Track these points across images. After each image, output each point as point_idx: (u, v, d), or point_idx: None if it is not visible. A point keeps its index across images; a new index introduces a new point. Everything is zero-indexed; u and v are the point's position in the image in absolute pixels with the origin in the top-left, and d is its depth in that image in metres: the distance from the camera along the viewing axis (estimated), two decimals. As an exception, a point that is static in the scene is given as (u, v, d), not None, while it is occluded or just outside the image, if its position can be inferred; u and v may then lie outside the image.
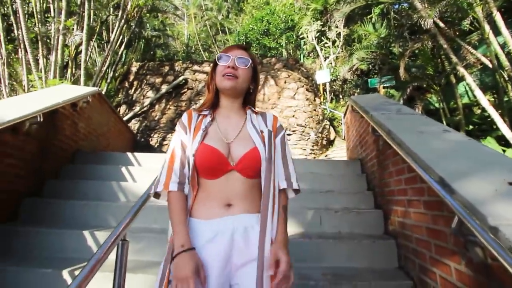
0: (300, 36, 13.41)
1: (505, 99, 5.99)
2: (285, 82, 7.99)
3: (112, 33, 6.87)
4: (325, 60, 12.62)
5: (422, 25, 5.60)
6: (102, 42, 10.33)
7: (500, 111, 5.58)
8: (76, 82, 5.72)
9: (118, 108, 7.90)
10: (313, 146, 7.70)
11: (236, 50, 1.02)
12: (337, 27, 11.39)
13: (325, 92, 11.92)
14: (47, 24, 5.82)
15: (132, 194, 2.72)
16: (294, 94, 7.89)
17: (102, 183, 2.77)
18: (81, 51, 5.74)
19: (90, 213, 2.39)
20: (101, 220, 2.37)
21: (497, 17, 5.10)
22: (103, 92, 7.57)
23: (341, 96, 12.88)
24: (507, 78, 5.49)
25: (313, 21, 12.64)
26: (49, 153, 2.88)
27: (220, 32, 19.91)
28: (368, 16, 10.28)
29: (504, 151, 4.96)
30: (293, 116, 7.72)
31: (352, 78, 11.89)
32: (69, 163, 3.21)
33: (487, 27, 5.19)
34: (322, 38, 12.84)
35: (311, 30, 12.63)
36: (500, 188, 1.07)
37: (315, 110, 8.20)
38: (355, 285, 1.70)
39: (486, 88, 6.94)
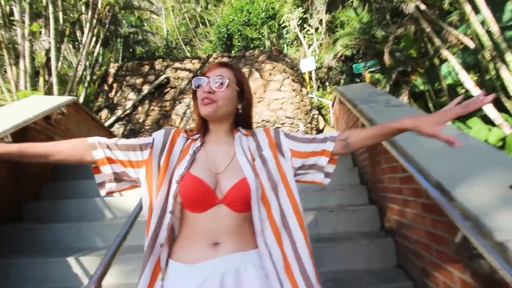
0: (282, 25, 13.17)
1: (487, 77, 6.07)
2: (270, 75, 7.85)
3: (84, 34, 6.48)
4: (308, 48, 12.48)
5: (404, 10, 5.54)
6: (77, 43, 9.82)
7: (483, 90, 5.66)
8: (50, 90, 5.40)
9: (100, 113, 7.59)
10: (303, 137, 7.66)
11: (214, 70, 0.90)
12: (318, 12, 11.22)
13: (311, 80, 11.84)
14: (12, 29, 5.41)
15: (118, 210, 2.58)
16: (280, 86, 7.77)
17: (85, 201, 2.62)
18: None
19: (73, 235, 2.26)
20: (87, 242, 2.24)
21: (477, -4, 5.09)
22: (82, 97, 7.27)
23: (327, 84, 12.83)
24: (489, 58, 5.53)
25: (294, 8, 12.40)
26: (25, 174, 2.70)
27: (200, 24, 19.36)
28: (349, 1, 10.14)
29: (490, 129, 5.05)
30: (281, 108, 7.63)
31: (337, 64, 11.83)
32: (49, 181, 3.03)
33: (468, 8, 5.17)
34: (305, 25, 12.65)
35: (293, 18, 12.41)
36: (502, 193, 1.02)
37: (302, 100, 8.13)
38: (356, 291, 1.67)
39: (468, 68, 7.01)
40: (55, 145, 0.86)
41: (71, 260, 1.96)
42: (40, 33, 5.39)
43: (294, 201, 0.86)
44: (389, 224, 2.12)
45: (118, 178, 0.89)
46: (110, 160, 0.87)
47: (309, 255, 0.83)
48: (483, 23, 5.71)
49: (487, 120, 5.46)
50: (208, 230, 0.82)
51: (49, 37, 4.95)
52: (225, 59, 8.25)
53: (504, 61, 5.19)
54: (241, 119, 0.95)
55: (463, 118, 6.03)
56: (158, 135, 0.93)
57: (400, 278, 1.76)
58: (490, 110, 5.05)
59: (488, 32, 5.46)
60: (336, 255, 2.00)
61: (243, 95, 0.93)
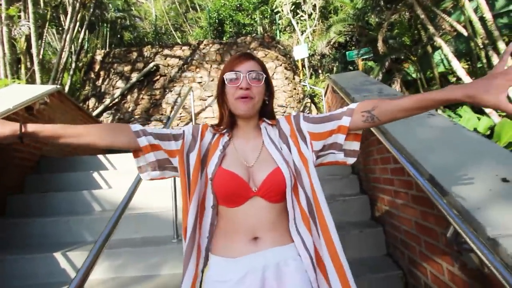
0: (275, 10, 12.84)
1: (479, 65, 6.09)
2: (262, 62, 7.70)
3: (67, 18, 6.14)
4: (302, 34, 12.25)
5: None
6: (61, 28, 9.37)
7: (474, 78, 5.68)
8: (32, 78, 5.15)
9: (87, 102, 7.36)
10: (295, 126, 7.63)
11: (245, 63, 0.86)
12: (312, -2, 10.95)
13: (304, 68, 11.71)
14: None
15: (107, 203, 2.53)
16: (273, 74, 7.65)
17: (73, 194, 2.56)
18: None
19: (62, 230, 2.21)
20: (76, 236, 2.19)
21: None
22: (68, 86, 7.00)
23: (320, 71, 12.70)
24: (481, 45, 5.52)
25: (287, -8, 12.05)
26: (8, 166, 2.60)
27: (190, 9, 18.71)
28: (343, -15, 9.90)
29: (479, 118, 5.10)
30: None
31: (330, 52, 11.69)
32: (34, 173, 2.93)
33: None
34: (298, 11, 12.36)
35: (286, 3, 12.09)
36: (495, 187, 1.01)
37: (295, 88, 8.05)
38: (347, 281, 1.68)
39: (460, 56, 7.01)
40: (90, 127, 0.83)
41: (58, 255, 1.92)
42: (19, 17, 5.09)
43: (315, 189, 0.84)
44: (379, 213, 2.14)
45: (160, 165, 0.88)
46: (154, 147, 0.85)
47: (338, 240, 0.82)
48: (476, 10, 5.66)
49: (476, 110, 5.52)
50: (246, 224, 0.82)
51: (28, 21, 4.68)
52: (217, 46, 8.02)
53: (496, 49, 5.19)
54: (266, 110, 0.93)
55: (453, 107, 6.08)
56: (188, 129, 0.92)
57: (389, 267, 1.79)
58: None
59: (481, 19, 5.43)
60: (327, 245, 2.01)
61: (269, 86, 0.92)
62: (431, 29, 5.97)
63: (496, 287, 0.88)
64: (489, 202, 0.95)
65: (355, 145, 0.87)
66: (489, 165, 1.14)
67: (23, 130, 0.74)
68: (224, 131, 0.90)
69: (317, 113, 9.45)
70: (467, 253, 0.99)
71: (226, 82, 0.86)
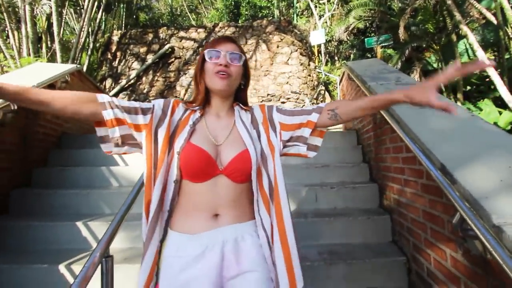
0: (293, -7, 12.42)
1: (506, 56, 5.77)
2: (277, 47, 7.57)
3: (86, -2, 6.19)
4: (319, 19, 11.86)
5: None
6: (78, 8, 9.46)
7: (499, 70, 5.41)
8: (52, 57, 5.29)
9: (104, 82, 7.52)
10: (308, 113, 7.56)
11: (226, 44, 0.89)
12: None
13: (320, 54, 11.41)
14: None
15: (124, 179, 2.65)
16: (288, 59, 7.52)
17: (92, 169, 2.69)
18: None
19: (82, 201, 2.35)
20: (94, 208, 2.33)
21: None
22: (85, 66, 7.15)
23: (336, 58, 12.36)
24: (511, 35, 5.21)
25: (307, -26, 11.60)
26: (33, 141, 2.75)
27: (206, -10, 18.35)
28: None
29: (500, 113, 4.90)
30: (287, 83, 7.46)
31: (348, 38, 11.31)
32: (56, 148, 3.09)
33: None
34: (317, -6, 11.91)
35: (305, -15, 11.66)
36: (506, 177, 1.01)
37: (309, 75, 7.91)
38: (351, 264, 1.73)
39: (487, 46, 6.65)
40: (55, 93, 0.80)
41: (79, 225, 2.05)
42: (40, -4, 5.19)
43: (277, 176, 0.89)
44: (387, 202, 2.15)
45: (123, 141, 0.87)
46: (119, 122, 0.84)
47: (292, 227, 0.87)
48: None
49: (498, 104, 5.28)
50: (208, 201, 0.84)
51: (49, 0, 4.76)
52: (232, 29, 7.92)
53: (526, 39, 4.90)
54: (240, 95, 0.98)
55: (474, 100, 5.84)
56: (158, 103, 0.92)
57: (394, 253, 1.82)
58: (504, 92, 4.86)
59: (514, 7, 5.09)
60: (334, 229, 2.06)
61: (246, 72, 0.97)
62: (458, 16, 5.66)
63: (496, 272, 0.90)
64: (498, 192, 0.95)
65: (318, 141, 0.94)
66: (502, 156, 1.13)
67: None
68: (197, 108, 0.91)
69: (331, 102, 9.29)
70: (471, 239, 1.01)
71: (206, 59, 0.88)
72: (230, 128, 0.90)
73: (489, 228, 0.85)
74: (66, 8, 6.76)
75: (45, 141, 2.96)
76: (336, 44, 12.12)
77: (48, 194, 2.37)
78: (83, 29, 6.21)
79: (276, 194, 0.88)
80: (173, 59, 7.56)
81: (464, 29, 5.56)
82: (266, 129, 0.93)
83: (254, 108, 0.98)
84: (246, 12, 12.73)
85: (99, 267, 1.01)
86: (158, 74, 7.49)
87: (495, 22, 5.56)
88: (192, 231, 0.83)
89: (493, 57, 6.61)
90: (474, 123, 1.46)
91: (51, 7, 4.71)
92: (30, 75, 2.88)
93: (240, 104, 0.97)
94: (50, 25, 5.76)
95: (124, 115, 0.84)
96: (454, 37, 6.56)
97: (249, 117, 0.95)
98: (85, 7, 6.09)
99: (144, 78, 7.49)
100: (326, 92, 9.25)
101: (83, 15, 6.09)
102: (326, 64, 11.68)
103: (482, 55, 5.30)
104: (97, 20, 7.86)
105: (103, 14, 8.89)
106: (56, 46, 5.00)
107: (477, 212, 0.92)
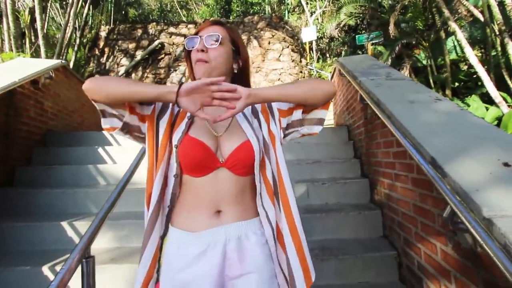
0: (284, -11, 12.37)
1: (493, 53, 5.88)
2: (269, 43, 7.53)
3: (72, -9, 5.99)
4: (311, 16, 11.85)
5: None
6: (64, 3, 9.17)
7: (486, 67, 5.50)
8: (36, 52, 5.11)
9: (92, 79, 7.34)
10: (300, 110, 7.58)
11: (206, 28, 0.84)
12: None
13: (311, 51, 11.42)
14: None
15: (112, 177, 2.59)
16: (279, 56, 7.50)
17: (78, 168, 2.61)
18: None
19: (68, 201, 2.27)
20: (81, 207, 2.26)
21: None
22: (72, 62, 6.95)
23: (327, 55, 12.39)
24: (497, 32, 5.31)
25: (298, -30, 11.56)
26: (15, 138, 2.65)
27: (197, -14, 18.08)
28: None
29: (487, 108, 5.00)
30: (279, 79, 7.44)
31: (339, 35, 11.34)
32: (40, 146, 2.99)
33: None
34: (308, -10, 11.90)
35: (296, -18, 11.62)
36: (495, 170, 1.01)
37: (301, 72, 7.91)
38: (342, 259, 1.73)
39: (474, 43, 6.76)
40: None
41: (65, 224, 1.99)
42: (23, -12, 4.99)
43: (280, 165, 0.85)
44: (378, 197, 2.16)
45: (130, 131, 0.82)
46: (131, 109, 0.78)
47: (300, 217, 0.84)
48: (495, -6, 5.38)
49: (485, 100, 5.39)
50: (210, 196, 0.80)
51: (32, -7, 4.59)
52: (223, 25, 7.84)
53: (512, 37, 4.99)
54: (238, 80, 0.88)
55: (462, 96, 5.95)
56: None
57: (384, 248, 1.83)
58: (491, 88, 4.95)
59: (501, 3, 5.18)
60: (326, 225, 2.06)
61: (239, 55, 0.88)
62: (446, 12, 5.73)
63: (487, 265, 0.90)
64: (488, 184, 0.95)
65: (323, 114, 0.87)
66: (492, 150, 1.13)
67: None
68: None
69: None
70: (461, 233, 1.01)
71: (186, 48, 0.84)
72: (230, 118, 0.84)
73: (480, 221, 0.84)
74: (50, 2, 6.53)
75: (29, 139, 2.86)
76: (327, 41, 12.15)
77: (32, 194, 2.29)
78: (68, 24, 6.02)
79: (281, 184, 0.84)
80: (163, 56, 7.44)
81: (453, 25, 5.64)
82: (267, 117, 0.89)
83: None
84: (237, 8, 12.62)
85: (80, 268, 0.96)
86: (147, 70, 7.35)
87: (482, 19, 5.65)
88: (194, 229, 0.80)
89: (479, 55, 6.73)
90: (464, 117, 1.47)
91: (33, 1, 4.54)
92: (12, 70, 2.76)
93: None
94: (33, 19, 5.55)
95: (135, 104, 0.80)
96: (442, 34, 6.65)
97: (249, 106, 0.89)
98: (69, 1, 5.91)
99: (133, 75, 7.34)
100: (317, 89, 9.24)
101: (68, 9, 5.90)
102: (318, 61, 11.69)
103: (470, 52, 5.39)
104: (84, 15, 7.64)
105: (90, 8, 8.64)
106: (40, 41, 4.83)
107: (468, 205, 0.91)
